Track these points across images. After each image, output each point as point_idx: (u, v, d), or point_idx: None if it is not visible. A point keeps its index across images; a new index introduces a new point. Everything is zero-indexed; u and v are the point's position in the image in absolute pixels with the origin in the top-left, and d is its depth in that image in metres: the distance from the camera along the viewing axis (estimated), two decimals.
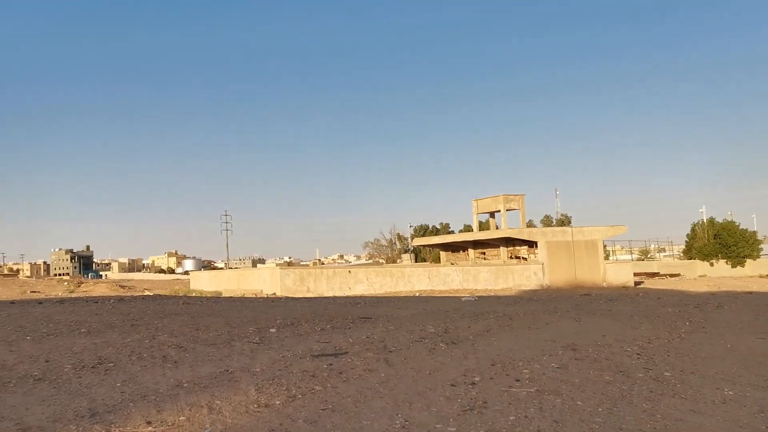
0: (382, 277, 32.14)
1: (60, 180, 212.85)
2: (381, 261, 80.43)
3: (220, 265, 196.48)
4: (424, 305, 10.57)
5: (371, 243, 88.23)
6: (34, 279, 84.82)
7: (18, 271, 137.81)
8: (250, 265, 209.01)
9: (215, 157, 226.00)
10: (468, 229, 62.11)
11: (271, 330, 6.81)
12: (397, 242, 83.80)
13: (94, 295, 32.60)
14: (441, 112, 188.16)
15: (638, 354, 5.99)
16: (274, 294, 29.84)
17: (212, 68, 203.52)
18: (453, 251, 43.93)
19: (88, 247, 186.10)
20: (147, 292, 32.79)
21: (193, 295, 32.00)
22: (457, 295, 19.76)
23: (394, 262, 68.24)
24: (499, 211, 40.77)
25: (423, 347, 6.07)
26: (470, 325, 7.73)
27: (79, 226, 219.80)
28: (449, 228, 77.59)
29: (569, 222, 75.76)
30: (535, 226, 58.53)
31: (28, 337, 5.93)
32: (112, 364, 4.86)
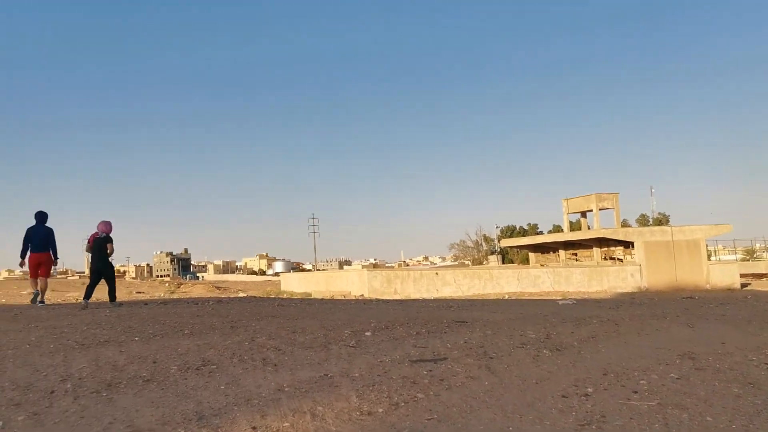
0: (469, 279, 31.67)
1: (162, 186, 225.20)
2: (466, 262, 79.57)
3: (308, 266, 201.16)
4: (519, 309, 10.20)
5: (457, 244, 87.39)
6: (138, 280, 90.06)
7: (125, 272, 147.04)
8: (337, 267, 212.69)
9: (303, 161, 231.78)
10: (557, 229, 60.20)
11: (366, 333, 6.72)
12: (484, 243, 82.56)
13: (193, 296, 34.06)
14: (526, 109, 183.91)
15: (766, 364, 5.45)
16: (362, 295, 30.08)
17: (297, 71, 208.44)
18: (542, 252, 42.68)
19: (186, 250, 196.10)
20: (240, 293, 33.95)
21: (284, 296, 32.77)
22: (549, 297, 19.07)
23: (480, 263, 67.34)
24: (590, 210, 39.19)
25: (526, 354, 5.78)
26: (573, 331, 7.34)
27: (178, 230, 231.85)
28: (537, 228, 75.53)
29: (667, 221, 71.88)
30: (629, 226, 55.90)
31: (137, 338, 6.12)
32: (215, 366, 4.90)
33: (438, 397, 4.14)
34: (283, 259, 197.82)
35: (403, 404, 3.92)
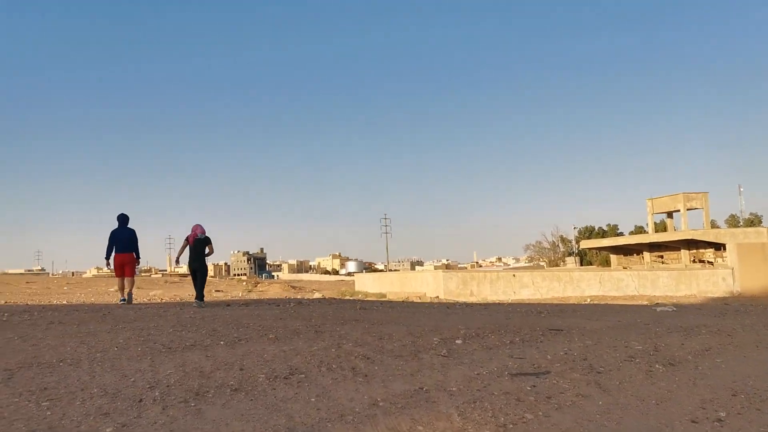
0: (548, 281, 30.66)
1: (239, 187, 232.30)
2: (542, 264, 77.56)
3: (380, 267, 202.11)
4: (615, 316, 9.52)
5: (532, 245, 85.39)
6: (217, 279, 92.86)
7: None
8: (409, 268, 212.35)
9: (374, 161, 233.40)
10: (640, 230, 57.64)
11: (456, 341, 6.34)
12: (560, 244, 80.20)
13: (269, 295, 34.58)
14: (606, 104, 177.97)
15: None
16: (437, 297, 29.62)
17: (368, 69, 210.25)
18: (625, 254, 40.86)
19: (262, 250, 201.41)
20: (316, 293, 34.23)
21: (359, 296, 32.73)
22: (634, 302, 18.03)
23: (557, 265, 65.43)
24: (677, 210, 37.17)
25: (636, 369, 5.24)
26: (683, 342, 6.68)
27: (255, 230, 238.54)
28: (617, 229, 72.64)
29: (759, 222, 67.42)
30: (718, 227, 52.79)
31: (222, 342, 5.98)
32: (303, 376, 4.66)
33: (548, 418, 3.71)
34: (356, 259, 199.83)
35: (511, 426, 3.53)
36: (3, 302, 11.12)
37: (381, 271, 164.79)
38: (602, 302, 19.04)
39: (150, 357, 5.25)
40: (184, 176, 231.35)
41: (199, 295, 11.24)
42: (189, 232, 11.47)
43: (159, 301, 13.26)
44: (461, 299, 27.73)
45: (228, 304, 10.92)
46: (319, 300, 13.08)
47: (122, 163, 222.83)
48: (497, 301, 20.90)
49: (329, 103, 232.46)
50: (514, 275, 30.97)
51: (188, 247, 11.41)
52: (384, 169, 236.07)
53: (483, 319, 8.47)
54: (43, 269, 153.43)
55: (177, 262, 11.89)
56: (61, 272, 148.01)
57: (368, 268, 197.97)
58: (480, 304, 12.77)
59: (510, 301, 20.95)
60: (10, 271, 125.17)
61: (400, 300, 27.38)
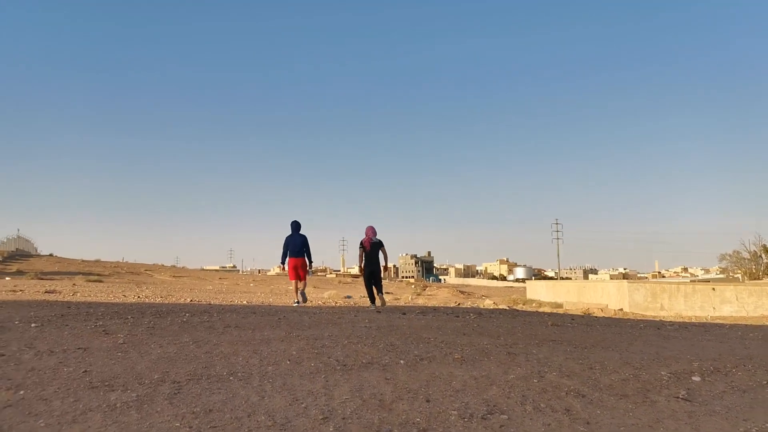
0: (756, 296, 26.62)
1: (407, 190, 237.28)
2: (737, 276, 69.10)
3: (550, 273, 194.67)
4: None
5: (728, 255, 76.39)
6: (387, 281, 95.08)
7: (389, 269, 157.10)
8: (581, 275, 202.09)
9: (547, 164, 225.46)
10: None
11: (693, 378, 4.95)
12: (764, 255, 70.81)
13: (438, 299, 33.97)
14: None
15: None
16: (621, 310, 27.11)
17: (540, 69, 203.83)
18: None
19: (429, 253, 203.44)
20: (486, 300, 33.00)
21: (533, 305, 30.98)
22: None
23: (758, 278, 57.73)
24: None
25: None
26: None
27: (423, 233, 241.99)
28: None
29: None
30: None
31: (401, 361, 5.18)
32: (505, 417, 3.67)
33: None
34: (524, 265, 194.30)
35: None
36: (189, 300, 11.46)
37: (552, 278, 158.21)
38: None
39: (324, 375, 4.59)
40: (355, 180, 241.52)
41: (374, 299, 11.57)
42: (363, 236, 11.77)
43: (333, 303, 13.02)
44: (649, 314, 24.97)
45: (404, 312, 10.24)
46: (500, 311, 11.96)
47: (302, 169, 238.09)
48: (695, 319, 18.26)
49: (497, 104, 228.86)
50: (713, 288, 27.33)
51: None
52: (556, 171, 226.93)
53: (713, 347, 6.85)
54: (234, 266, 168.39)
55: (361, 270, 11.95)
56: (249, 270, 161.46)
57: (537, 274, 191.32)
58: (697, 324, 10.81)
59: (710, 319, 18.19)
60: (207, 268, 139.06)
61: (581, 312, 25.32)
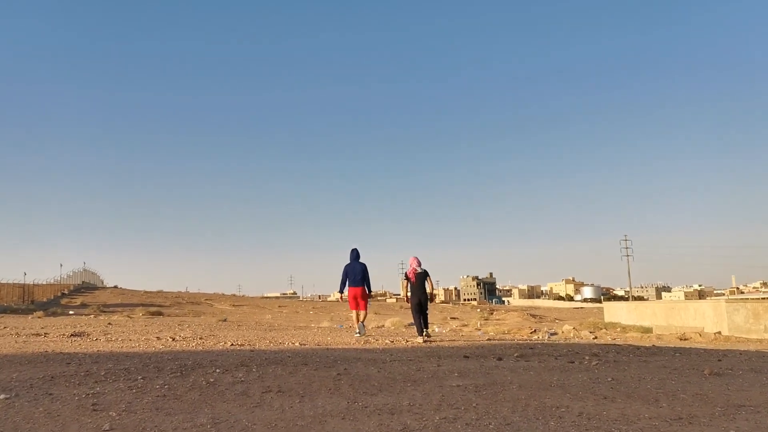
0: None
1: (466, 211, 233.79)
2: None
3: (620, 292, 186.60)
4: None
5: None
6: (450, 305, 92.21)
7: (435, 296, 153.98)
8: (653, 293, 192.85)
9: (612, 178, 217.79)
10: None
11: None
12: None
13: (511, 327, 31.25)
14: None
15: None
16: (719, 333, 23.80)
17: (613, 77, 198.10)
18: None
19: (491, 274, 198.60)
20: (566, 325, 30.08)
21: (617, 330, 27.86)
22: None
23: None
24: None
25: None
26: None
27: (484, 254, 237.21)
28: None
29: None
30: None
31: None
32: None
33: None
34: (592, 284, 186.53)
35: None
36: (229, 345, 9.50)
37: (623, 298, 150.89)
38: None
39: None
40: (414, 202, 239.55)
41: (422, 329, 11.58)
42: (408, 267, 12.03)
43: (404, 343, 10.84)
44: (753, 336, 21.76)
45: (498, 356, 7.95)
46: (617, 349, 9.50)
47: (360, 192, 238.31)
48: None
49: (562, 115, 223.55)
50: None
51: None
52: (622, 185, 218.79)
53: None
54: (294, 293, 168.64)
55: (407, 300, 12.14)
56: (309, 296, 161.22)
57: (606, 294, 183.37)
58: None
59: None
60: (268, 294, 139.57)
61: (677, 338, 22.30)
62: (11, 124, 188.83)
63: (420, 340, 11.38)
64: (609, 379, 5.96)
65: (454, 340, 11.98)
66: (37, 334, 11.30)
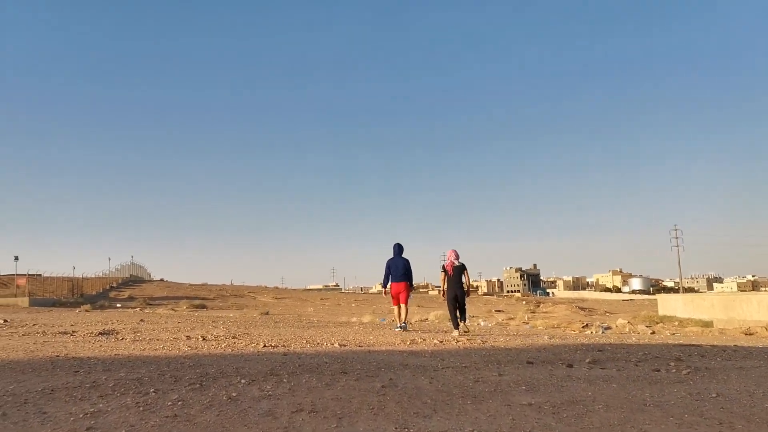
0: None
1: (510, 202, 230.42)
2: None
3: (669, 284, 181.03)
4: None
5: None
6: (495, 297, 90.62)
7: (477, 287, 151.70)
8: (704, 284, 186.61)
9: (663, 168, 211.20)
10: None
11: None
12: None
13: (555, 317, 29.87)
14: None
15: None
16: None
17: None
18: None
19: (535, 266, 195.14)
20: (620, 320, 28.54)
21: (675, 326, 26.19)
22: None
23: None
24: None
25: None
26: None
27: (527, 245, 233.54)
28: None
29: None
30: None
31: None
32: None
33: None
34: (640, 276, 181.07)
35: None
36: (261, 346, 8.67)
37: (673, 289, 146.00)
38: None
39: None
40: (455, 192, 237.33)
41: (458, 323, 11.60)
42: (445, 261, 12.01)
43: (454, 344, 9.83)
44: None
45: (568, 362, 6.89)
46: (699, 350, 8.31)
47: (401, 183, 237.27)
48: None
49: (604, 106, 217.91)
50: None
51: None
52: (675, 175, 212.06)
53: None
54: (336, 285, 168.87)
55: (442, 294, 12.08)
56: (351, 288, 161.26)
57: (655, 285, 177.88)
58: None
59: None
60: (311, 287, 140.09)
61: (740, 331, 20.67)
62: (62, 122, 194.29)
63: (456, 333, 11.47)
64: (713, 395, 4.87)
65: (508, 339, 10.95)
66: (64, 333, 10.73)
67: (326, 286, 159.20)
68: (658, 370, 6.24)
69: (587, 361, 7.00)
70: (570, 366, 6.55)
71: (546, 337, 11.74)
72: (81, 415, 4.10)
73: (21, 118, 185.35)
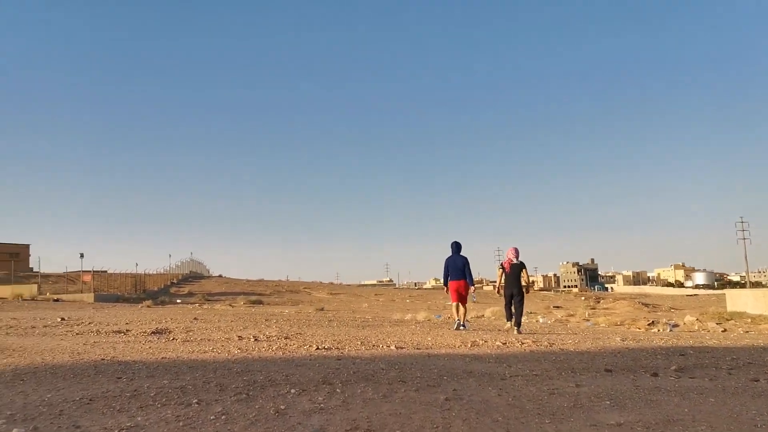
0: None
1: (567, 196, 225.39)
2: None
3: (734, 278, 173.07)
4: None
5: None
6: (552, 293, 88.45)
7: (533, 282, 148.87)
8: None
9: (728, 158, 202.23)
10: None
11: None
12: None
13: (617, 314, 28.55)
14: None
15: None
16: None
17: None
18: None
19: (592, 260, 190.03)
20: (687, 316, 27.09)
21: (747, 323, 24.65)
22: None
23: None
24: None
25: None
26: None
27: (585, 240, 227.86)
28: None
29: None
30: None
31: None
32: None
33: None
34: (704, 270, 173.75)
35: None
36: (314, 348, 8.25)
37: (738, 284, 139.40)
38: None
39: None
40: (509, 187, 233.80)
41: (518, 322, 11.57)
42: (504, 258, 12.18)
43: (518, 345, 9.20)
44: None
45: (654, 372, 6.20)
46: None
47: (454, 178, 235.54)
48: None
49: (670, 93, 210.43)
50: None
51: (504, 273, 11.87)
52: (740, 165, 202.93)
53: None
54: (390, 280, 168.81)
55: (498, 292, 12.30)
56: (405, 283, 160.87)
57: (720, 279, 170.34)
58: None
59: None
60: (365, 282, 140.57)
61: None
62: (126, 123, 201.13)
63: (508, 326, 11.93)
64: None
65: (576, 340, 10.23)
66: (118, 332, 10.60)
67: (380, 282, 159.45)
68: (757, 380, 5.48)
69: (672, 368, 6.27)
70: (655, 375, 5.85)
71: (618, 338, 10.92)
72: (116, 430, 3.74)
73: (86, 118, 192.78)
